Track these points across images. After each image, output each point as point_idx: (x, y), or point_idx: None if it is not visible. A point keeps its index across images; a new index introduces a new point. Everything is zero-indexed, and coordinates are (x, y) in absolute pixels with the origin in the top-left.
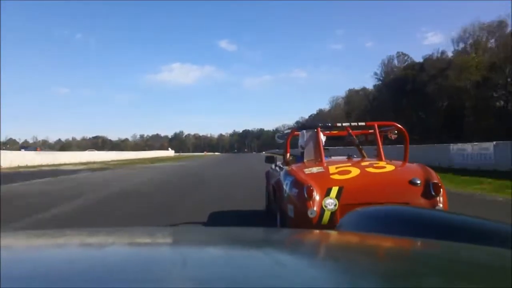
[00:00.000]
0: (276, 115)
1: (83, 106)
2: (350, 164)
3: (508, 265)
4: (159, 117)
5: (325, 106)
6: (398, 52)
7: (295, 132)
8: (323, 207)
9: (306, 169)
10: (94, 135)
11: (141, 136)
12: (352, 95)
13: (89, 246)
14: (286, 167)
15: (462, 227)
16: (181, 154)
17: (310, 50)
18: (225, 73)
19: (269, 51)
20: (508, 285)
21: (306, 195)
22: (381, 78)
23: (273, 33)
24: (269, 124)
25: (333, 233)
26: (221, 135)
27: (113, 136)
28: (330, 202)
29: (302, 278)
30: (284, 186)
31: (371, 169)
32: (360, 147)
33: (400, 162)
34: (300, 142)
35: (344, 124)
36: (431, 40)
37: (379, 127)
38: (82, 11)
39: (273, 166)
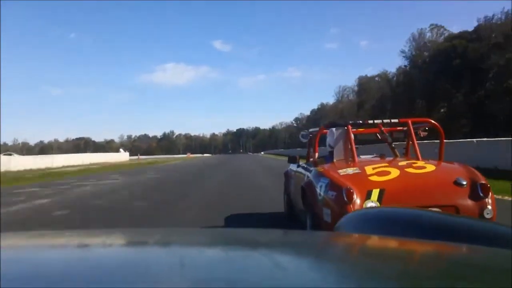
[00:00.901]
0: (273, 113)
1: (75, 106)
2: (387, 164)
3: (509, 266)
4: (152, 118)
5: (329, 99)
6: (431, 24)
7: (324, 130)
8: None
9: (340, 170)
10: (78, 136)
11: (129, 137)
12: (365, 82)
13: (87, 247)
14: (316, 168)
15: (462, 229)
16: (141, 158)
17: (305, 49)
18: (219, 73)
19: (264, 50)
20: (509, 287)
21: (345, 198)
22: (412, 56)
23: (267, 33)
24: (265, 123)
25: (333, 235)
26: (213, 135)
27: (100, 138)
28: (372, 206)
29: (302, 280)
30: (318, 189)
31: (411, 170)
32: (393, 145)
33: (436, 162)
34: (329, 140)
35: (376, 121)
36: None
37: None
38: (76, 11)
39: (292, 167)
